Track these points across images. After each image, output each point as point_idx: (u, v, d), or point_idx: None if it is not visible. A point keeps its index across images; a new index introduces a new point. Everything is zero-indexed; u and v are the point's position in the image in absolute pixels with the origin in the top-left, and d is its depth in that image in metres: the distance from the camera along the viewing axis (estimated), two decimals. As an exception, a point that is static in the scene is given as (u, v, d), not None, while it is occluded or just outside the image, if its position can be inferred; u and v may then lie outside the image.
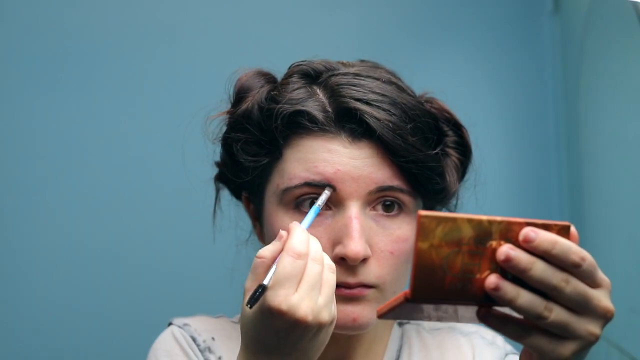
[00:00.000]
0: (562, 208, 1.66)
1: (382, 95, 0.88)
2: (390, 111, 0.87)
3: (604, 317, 0.66)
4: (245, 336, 0.78)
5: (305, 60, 0.95)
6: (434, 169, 0.90)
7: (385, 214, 0.88)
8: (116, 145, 1.48)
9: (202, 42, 1.53)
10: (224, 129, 0.98)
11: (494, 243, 0.63)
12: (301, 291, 0.74)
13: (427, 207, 0.94)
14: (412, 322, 1.03)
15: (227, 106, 0.98)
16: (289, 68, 0.95)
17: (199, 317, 1.00)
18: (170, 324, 0.99)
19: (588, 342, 0.66)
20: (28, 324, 1.44)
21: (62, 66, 1.47)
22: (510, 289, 0.63)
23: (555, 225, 0.65)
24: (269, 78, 0.97)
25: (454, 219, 0.63)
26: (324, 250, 0.83)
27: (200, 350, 0.95)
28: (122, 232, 1.47)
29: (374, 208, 0.88)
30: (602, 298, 0.66)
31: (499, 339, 1.04)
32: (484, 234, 0.63)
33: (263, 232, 0.95)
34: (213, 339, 0.97)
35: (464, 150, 0.98)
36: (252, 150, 0.91)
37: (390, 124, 0.86)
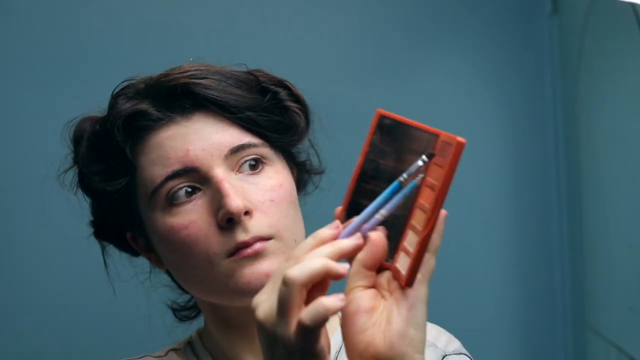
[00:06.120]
0: (561, 208, 1.66)
1: (197, 69, 0.90)
2: (207, 77, 0.89)
3: None
4: None
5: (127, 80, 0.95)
6: (272, 112, 0.91)
7: (251, 172, 0.88)
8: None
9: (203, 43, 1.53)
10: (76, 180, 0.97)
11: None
12: None
13: (286, 153, 0.95)
14: None
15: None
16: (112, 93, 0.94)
17: None
18: None
19: None
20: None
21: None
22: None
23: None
24: (98, 117, 0.95)
25: None
26: (209, 225, 0.84)
27: None
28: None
29: (239, 171, 0.88)
30: None
31: (441, 340, 1.00)
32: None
33: (161, 256, 0.92)
34: None
35: (297, 99, 0.97)
36: (110, 176, 0.90)
37: (213, 83, 0.88)
